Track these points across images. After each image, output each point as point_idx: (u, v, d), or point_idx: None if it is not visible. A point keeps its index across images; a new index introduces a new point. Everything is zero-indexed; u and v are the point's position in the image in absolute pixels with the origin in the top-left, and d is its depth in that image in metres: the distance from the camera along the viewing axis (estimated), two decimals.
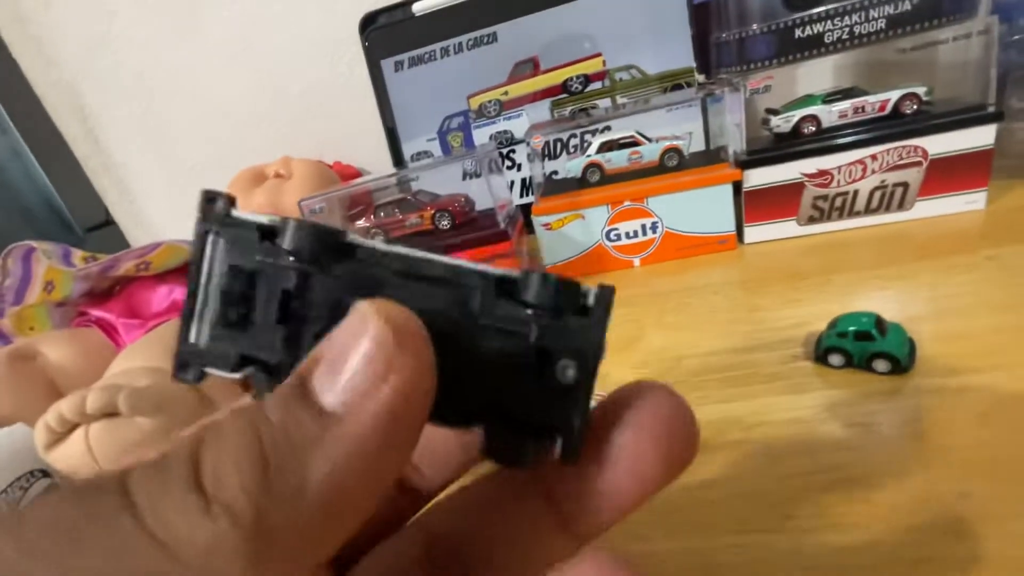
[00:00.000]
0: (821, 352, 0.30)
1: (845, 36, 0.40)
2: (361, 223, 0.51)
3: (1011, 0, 0.46)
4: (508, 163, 0.68)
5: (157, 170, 0.85)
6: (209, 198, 0.11)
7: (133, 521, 0.07)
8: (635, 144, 0.49)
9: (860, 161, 0.43)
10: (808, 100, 0.45)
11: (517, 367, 0.11)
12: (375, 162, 0.76)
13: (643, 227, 0.49)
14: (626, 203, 0.48)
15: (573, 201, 0.49)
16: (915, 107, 0.43)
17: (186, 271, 0.50)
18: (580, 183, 0.51)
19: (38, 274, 0.43)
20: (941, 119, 0.41)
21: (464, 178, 0.64)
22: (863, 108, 0.43)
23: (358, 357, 0.09)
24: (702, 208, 0.47)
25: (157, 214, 0.89)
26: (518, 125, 0.66)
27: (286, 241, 0.11)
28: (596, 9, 0.61)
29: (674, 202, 0.47)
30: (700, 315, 0.40)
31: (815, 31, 0.41)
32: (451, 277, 0.11)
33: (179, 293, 0.44)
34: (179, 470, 0.08)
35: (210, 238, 0.11)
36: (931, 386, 0.27)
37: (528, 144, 0.52)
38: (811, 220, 0.46)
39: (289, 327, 0.11)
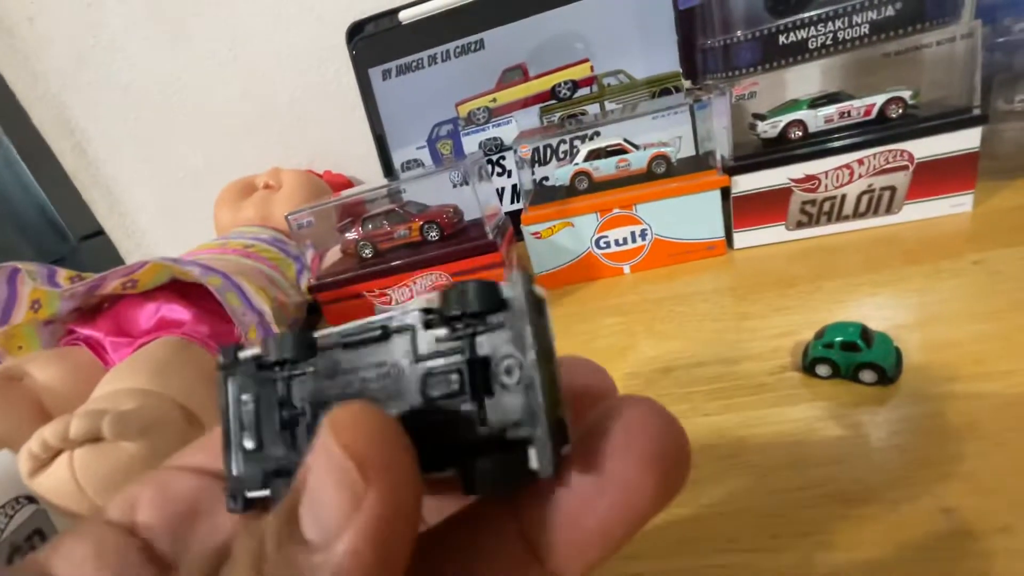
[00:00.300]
0: (808, 363, 0.30)
1: (829, 42, 0.40)
2: (351, 235, 0.51)
3: (995, 1, 0.46)
4: (498, 170, 0.68)
5: (147, 182, 0.84)
6: (224, 351, 0.13)
7: None
8: (622, 152, 0.49)
9: (847, 166, 0.43)
10: (794, 105, 0.45)
11: (465, 389, 0.11)
12: (365, 171, 0.76)
13: (632, 234, 0.49)
14: (615, 210, 0.48)
15: (562, 209, 0.49)
16: (900, 111, 0.43)
17: (175, 288, 0.49)
18: (569, 191, 0.51)
19: (23, 294, 0.43)
20: (927, 123, 0.41)
21: (455, 186, 0.64)
22: (849, 112, 0.43)
23: (328, 491, 0.09)
24: (691, 214, 0.47)
25: (149, 226, 0.88)
26: (507, 132, 0.66)
27: (270, 354, 0.12)
28: (583, 15, 0.61)
29: (663, 209, 0.47)
30: (689, 324, 0.39)
31: (799, 37, 0.40)
32: (388, 331, 0.11)
33: (166, 311, 0.43)
34: None
35: (229, 382, 0.13)
36: (917, 397, 0.27)
37: (516, 152, 0.51)
38: (800, 225, 0.46)
39: (289, 430, 0.12)
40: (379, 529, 0.09)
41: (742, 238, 0.48)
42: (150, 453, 0.30)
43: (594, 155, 0.50)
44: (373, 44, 0.67)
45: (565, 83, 0.63)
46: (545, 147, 0.62)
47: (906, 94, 0.42)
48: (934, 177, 0.42)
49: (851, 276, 0.39)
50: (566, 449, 0.10)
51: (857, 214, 0.45)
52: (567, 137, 0.59)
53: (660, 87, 0.61)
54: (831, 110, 0.44)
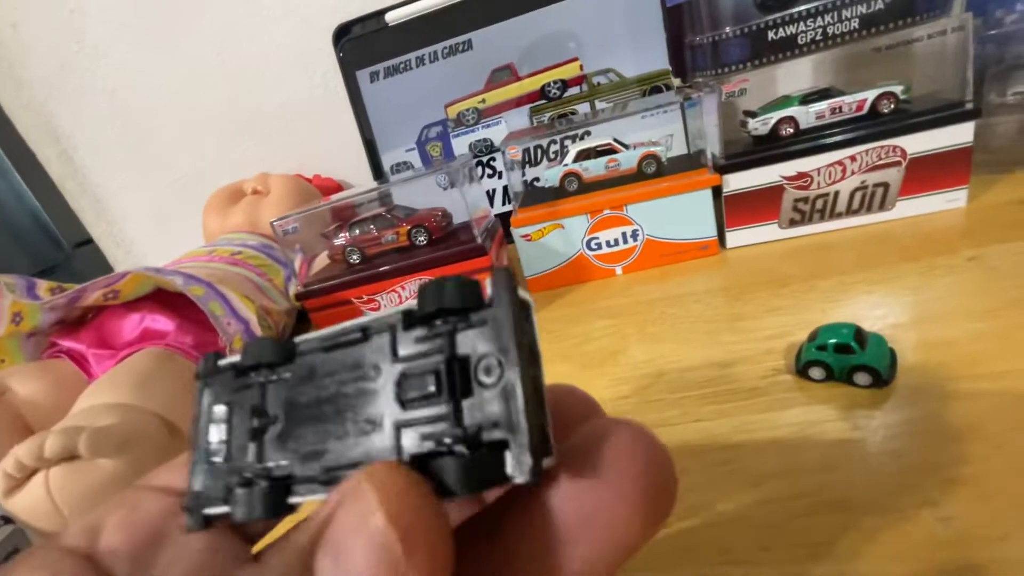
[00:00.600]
0: (802, 366, 0.29)
1: (819, 37, 0.40)
2: (339, 241, 0.50)
3: None
4: (489, 171, 0.67)
5: (135, 189, 0.83)
6: (205, 359, 0.13)
7: None
8: (612, 152, 0.49)
9: (839, 162, 0.43)
10: (785, 102, 0.44)
11: (442, 390, 0.10)
12: (355, 174, 0.75)
13: (624, 235, 0.48)
14: (606, 211, 0.48)
15: (552, 211, 0.48)
16: (892, 106, 0.42)
17: (159, 299, 0.48)
18: (558, 193, 0.50)
19: (3, 307, 0.42)
20: (919, 118, 0.41)
21: (444, 189, 0.63)
22: (840, 108, 0.43)
23: (359, 553, 0.08)
24: (682, 214, 0.46)
25: (138, 234, 0.88)
26: (497, 133, 0.65)
27: (248, 359, 0.12)
28: (571, 13, 0.60)
29: (654, 209, 0.47)
30: (682, 325, 0.39)
31: (788, 33, 0.40)
32: (368, 332, 0.11)
33: (150, 321, 0.43)
34: None
35: (205, 391, 0.13)
36: (913, 399, 0.26)
37: (504, 154, 0.51)
38: (792, 223, 0.46)
39: (258, 440, 0.12)
40: None
41: (734, 237, 0.47)
42: (130, 469, 0.30)
43: (583, 155, 0.49)
44: (360, 46, 0.66)
45: (554, 82, 0.63)
46: (535, 148, 0.61)
47: (898, 89, 0.42)
48: (927, 172, 0.42)
49: (845, 274, 0.39)
50: (548, 462, 0.10)
51: (850, 211, 0.44)
52: (557, 137, 0.59)
53: (650, 85, 0.60)
54: (822, 106, 0.43)
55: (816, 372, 0.29)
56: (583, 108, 0.62)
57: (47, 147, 0.81)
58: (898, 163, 0.42)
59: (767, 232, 0.46)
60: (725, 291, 0.42)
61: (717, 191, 0.46)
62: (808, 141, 0.43)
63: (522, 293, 0.10)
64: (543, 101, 0.63)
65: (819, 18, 0.39)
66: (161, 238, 0.86)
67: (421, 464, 0.10)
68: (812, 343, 0.29)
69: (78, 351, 0.44)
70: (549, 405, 0.10)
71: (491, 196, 0.67)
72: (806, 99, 0.43)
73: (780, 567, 0.21)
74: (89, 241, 0.89)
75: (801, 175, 0.44)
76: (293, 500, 0.11)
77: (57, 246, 0.87)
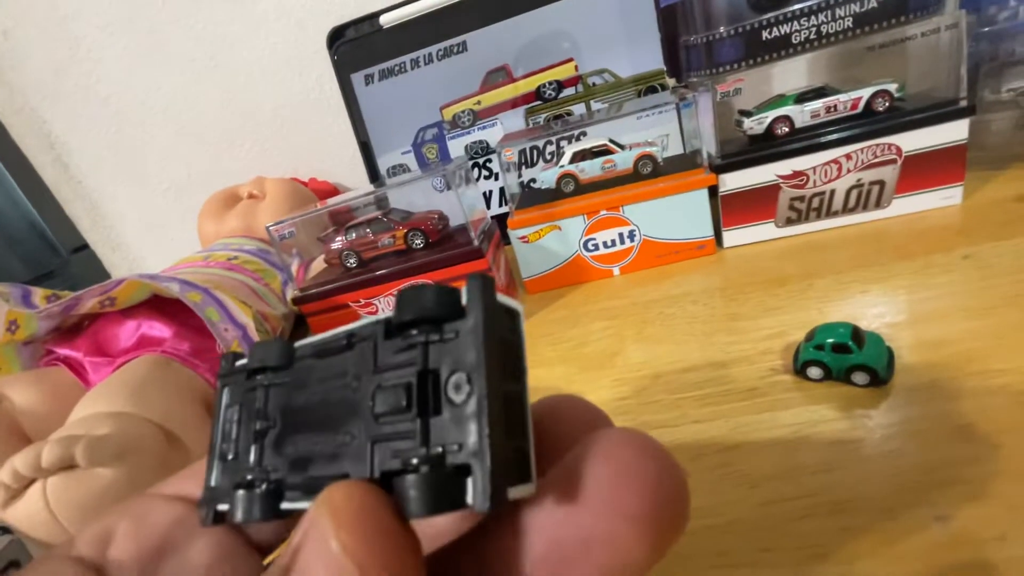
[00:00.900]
0: (799, 365, 0.29)
1: (812, 36, 0.40)
2: (336, 244, 0.50)
3: None
4: (485, 173, 0.67)
5: (131, 194, 0.83)
6: (224, 359, 0.13)
7: None
8: (608, 152, 0.49)
9: (835, 161, 0.43)
10: (780, 101, 0.44)
11: (412, 405, 0.09)
12: (351, 177, 0.75)
13: (621, 236, 0.48)
14: (602, 212, 0.48)
15: (548, 212, 0.48)
16: (887, 104, 0.42)
17: (155, 305, 0.48)
18: (555, 194, 0.50)
19: None
20: (914, 115, 0.41)
21: (440, 191, 0.63)
22: (835, 107, 0.43)
23: None
24: (679, 214, 0.46)
25: (134, 239, 0.87)
26: (493, 134, 0.65)
27: (253, 361, 0.12)
28: (565, 14, 0.60)
29: (650, 209, 0.47)
30: (679, 326, 0.39)
31: (782, 32, 0.40)
32: (352, 340, 0.11)
33: (146, 328, 0.42)
34: None
35: (224, 391, 0.13)
36: (910, 398, 0.26)
37: (500, 156, 0.51)
38: (789, 222, 0.46)
39: (259, 442, 0.12)
40: None
41: (731, 237, 0.47)
42: (127, 478, 0.30)
43: (579, 156, 0.49)
44: (355, 49, 0.66)
45: (550, 83, 0.63)
46: (531, 149, 0.61)
47: (892, 87, 0.42)
48: (923, 170, 0.42)
49: (841, 273, 0.39)
50: (523, 489, 0.09)
51: (846, 209, 0.44)
52: (553, 138, 0.59)
53: (646, 85, 0.60)
54: (817, 105, 0.43)
55: (814, 372, 0.29)
56: (579, 109, 0.62)
57: (41, 153, 0.81)
58: (893, 161, 0.42)
59: (763, 231, 0.46)
60: (722, 291, 0.42)
61: (713, 191, 0.46)
62: (803, 140, 0.43)
63: (505, 300, 0.10)
64: (539, 102, 0.63)
65: (813, 17, 0.39)
66: (157, 243, 0.86)
67: (390, 482, 0.09)
68: (810, 343, 0.29)
69: (75, 359, 0.43)
70: (546, 420, 0.10)
71: (488, 198, 0.67)
72: (801, 98, 0.44)
73: (779, 569, 0.21)
74: (85, 246, 0.89)
75: (797, 174, 0.44)
76: (284, 506, 0.11)
77: (53, 252, 0.87)
